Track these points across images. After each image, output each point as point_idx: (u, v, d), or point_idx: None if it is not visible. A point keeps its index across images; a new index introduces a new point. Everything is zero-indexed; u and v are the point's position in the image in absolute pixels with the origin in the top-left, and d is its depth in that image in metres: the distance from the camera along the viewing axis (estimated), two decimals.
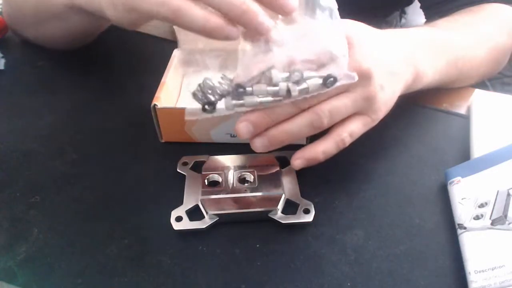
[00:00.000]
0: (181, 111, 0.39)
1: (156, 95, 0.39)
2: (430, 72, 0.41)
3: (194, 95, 0.32)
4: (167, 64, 0.45)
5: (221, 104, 0.32)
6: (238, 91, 0.31)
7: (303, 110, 0.33)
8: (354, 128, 0.35)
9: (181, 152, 0.40)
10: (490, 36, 0.50)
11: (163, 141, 0.42)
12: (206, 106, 0.32)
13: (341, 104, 0.33)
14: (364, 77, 0.33)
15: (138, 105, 0.46)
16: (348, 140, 0.35)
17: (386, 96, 0.36)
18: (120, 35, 0.56)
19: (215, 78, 0.32)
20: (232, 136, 0.41)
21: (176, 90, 0.45)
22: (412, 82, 0.39)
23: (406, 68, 0.38)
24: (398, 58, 0.38)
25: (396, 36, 0.40)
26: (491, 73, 0.54)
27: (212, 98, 0.32)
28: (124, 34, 0.60)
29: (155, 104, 0.38)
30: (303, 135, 0.35)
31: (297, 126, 0.33)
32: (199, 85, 0.32)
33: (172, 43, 0.42)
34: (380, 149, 0.42)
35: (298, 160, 0.35)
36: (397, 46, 0.39)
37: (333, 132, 0.35)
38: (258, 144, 0.33)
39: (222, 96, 0.32)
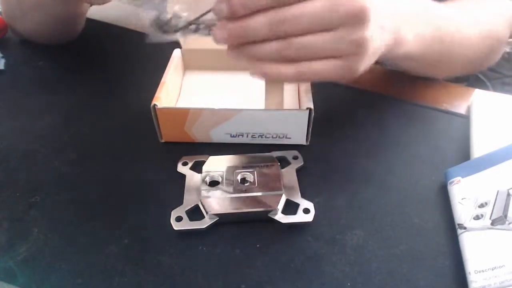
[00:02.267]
0: (181, 111, 0.39)
1: (156, 95, 0.39)
2: (412, 38, 0.38)
3: (151, 26, 0.34)
4: (167, 64, 0.45)
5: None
6: (188, 28, 0.34)
7: (278, 37, 0.31)
8: (321, 68, 0.32)
9: (181, 152, 0.40)
10: (486, 22, 0.48)
11: (163, 141, 0.42)
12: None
13: (317, 41, 0.31)
14: (359, 17, 0.30)
15: (138, 105, 0.46)
16: (308, 77, 0.33)
17: (373, 49, 0.33)
18: (120, 35, 0.56)
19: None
20: (232, 136, 0.41)
21: (176, 90, 0.45)
22: (393, 45, 0.36)
23: (392, 26, 0.35)
24: (387, 13, 0.34)
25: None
26: (482, 60, 0.52)
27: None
28: (124, 34, 0.60)
29: (155, 104, 0.38)
30: (272, 58, 0.32)
31: (266, 50, 0.32)
32: (155, 20, 0.35)
33: (172, 43, 0.42)
34: (380, 149, 0.42)
35: (253, 71, 0.34)
36: (390, 1, 0.36)
37: (298, 63, 0.32)
38: (230, 54, 0.33)
39: (176, 31, 0.35)
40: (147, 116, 0.39)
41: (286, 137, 0.41)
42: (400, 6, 0.37)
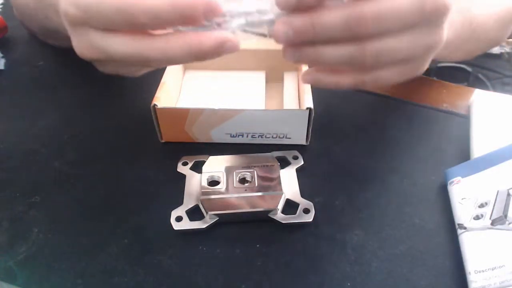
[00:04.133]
0: (181, 111, 0.39)
1: (156, 95, 0.39)
2: (449, 30, 0.36)
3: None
4: None
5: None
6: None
7: (352, 39, 0.27)
8: (388, 76, 0.29)
9: (181, 152, 0.40)
10: (501, 3, 0.48)
11: (163, 141, 0.42)
12: None
13: (395, 47, 0.27)
14: (442, 14, 0.27)
15: (138, 105, 0.46)
16: (371, 85, 0.30)
17: (440, 44, 0.29)
18: None
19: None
20: (232, 136, 0.41)
21: (176, 90, 0.45)
22: None
23: None
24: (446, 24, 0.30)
25: None
26: (497, 41, 0.52)
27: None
28: None
29: (155, 104, 0.38)
30: (338, 65, 0.29)
31: (334, 55, 0.27)
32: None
33: None
34: (380, 149, 0.42)
35: (308, 77, 0.30)
36: None
37: (364, 70, 0.29)
38: (290, 56, 0.28)
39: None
40: (147, 116, 0.39)
41: (286, 137, 0.41)
42: None
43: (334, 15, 0.26)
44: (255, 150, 0.40)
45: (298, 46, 0.28)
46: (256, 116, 0.39)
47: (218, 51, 0.27)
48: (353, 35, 0.26)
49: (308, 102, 0.39)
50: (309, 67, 0.29)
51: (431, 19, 0.27)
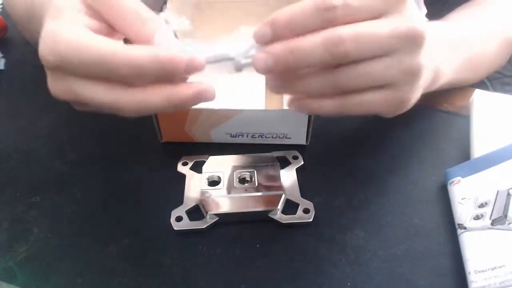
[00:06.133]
0: (181, 111, 0.39)
1: None
2: (448, 71, 0.38)
3: None
4: None
5: None
6: None
7: (330, 63, 0.27)
8: (371, 101, 0.29)
9: (181, 152, 0.40)
10: (501, 30, 0.49)
11: (163, 141, 0.42)
12: None
13: (372, 70, 0.27)
14: (417, 41, 0.27)
15: None
16: (356, 111, 0.29)
17: (423, 80, 0.30)
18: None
19: None
20: (232, 136, 0.41)
21: None
22: (431, 81, 0.34)
23: (430, 64, 0.32)
24: (424, 53, 0.30)
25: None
26: (498, 67, 0.53)
27: None
28: None
29: None
30: (318, 91, 0.29)
31: (314, 82, 0.28)
32: None
33: None
34: (380, 149, 0.42)
35: (292, 104, 0.30)
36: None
37: (345, 95, 0.29)
38: (272, 86, 0.29)
39: None
40: (147, 116, 0.39)
41: (286, 137, 0.41)
42: (436, 35, 0.33)
43: (312, 39, 0.26)
44: (255, 150, 0.40)
45: (279, 76, 0.28)
46: (256, 116, 0.39)
47: (195, 102, 0.27)
48: (331, 58, 0.26)
49: None
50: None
51: (406, 44, 0.27)
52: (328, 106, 0.29)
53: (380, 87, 0.29)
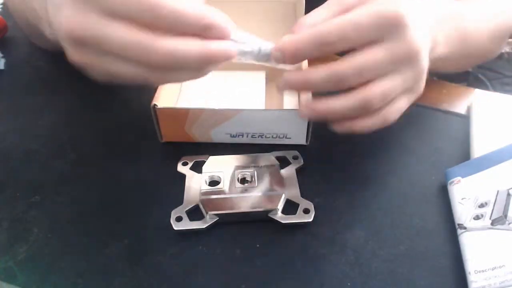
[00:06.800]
0: (181, 111, 0.39)
1: (156, 95, 0.39)
2: (443, 43, 0.39)
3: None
4: None
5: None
6: None
7: (352, 89, 0.32)
8: (402, 105, 0.35)
9: (181, 152, 0.40)
10: (497, 13, 0.49)
11: (163, 141, 0.42)
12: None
13: (392, 85, 0.32)
14: (415, 58, 0.32)
15: (138, 105, 0.46)
16: (394, 118, 0.35)
17: (426, 68, 0.35)
18: None
19: None
20: (232, 136, 0.41)
21: (176, 90, 0.45)
22: (429, 51, 0.36)
23: (430, 34, 0.36)
24: (426, 24, 0.35)
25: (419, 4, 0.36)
26: (492, 53, 0.54)
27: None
28: None
29: (155, 104, 0.38)
30: (349, 116, 0.34)
31: (343, 108, 0.33)
32: None
33: None
34: (380, 149, 0.42)
35: (338, 127, 0.35)
36: (425, 11, 0.36)
37: (380, 110, 0.34)
38: (305, 113, 0.36)
39: None
40: (147, 116, 0.39)
41: (286, 137, 0.41)
42: (432, 9, 0.38)
43: (320, 71, 0.32)
44: (255, 150, 0.40)
45: (311, 106, 0.35)
46: (256, 116, 0.39)
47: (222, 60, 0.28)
48: (339, 86, 0.32)
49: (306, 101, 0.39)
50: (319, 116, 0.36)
51: (407, 63, 0.32)
52: (371, 123, 0.35)
53: (401, 93, 0.34)
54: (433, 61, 0.38)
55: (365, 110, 0.33)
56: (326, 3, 0.34)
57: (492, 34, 0.49)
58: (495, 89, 0.68)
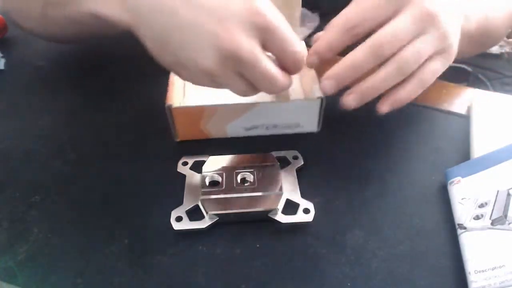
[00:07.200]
0: (197, 109, 0.40)
1: (169, 94, 0.40)
2: (471, 19, 0.42)
3: None
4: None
5: None
6: None
7: (385, 60, 0.34)
8: (435, 67, 0.36)
9: (181, 152, 0.40)
10: (506, 2, 0.53)
11: (178, 140, 0.42)
12: None
13: (419, 48, 0.34)
14: (431, 19, 0.34)
15: (138, 105, 0.46)
16: (430, 80, 0.36)
17: (453, 29, 0.37)
18: (119, 36, 0.56)
19: None
20: (247, 129, 0.42)
21: (181, 89, 0.45)
22: (464, 23, 0.40)
23: (459, 9, 0.39)
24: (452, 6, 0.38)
25: None
26: (502, 38, 0.60)
27: None
28: (122, 35, 0.60)
29: (170, 104, 0.38)
30: (390, 85, 0.36)
31: (384, 78, 0.35)
32: None
33: None
34: (380, 149, 0.42)
35: (384, 105, 0.37)
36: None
37: (415, 73, 0.35)
38: (351, 102, 0.36)
39: None
40: (147, 115, 0.40)
41: (299, 126, 0.42)
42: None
43: (361, 49, 0.34)
44: (255, 149, 0.40)
45: (352, 90, 0.36)
46: (271, 108, 0.40)
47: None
48: (381, 57, 0.34)
49: (318, 90, 0.40)
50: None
51: (426, 26, 0.34)
52: (411, 88, 0.36)
53: (432, 55, 0.36)
54: (464, 36, 0.41)
55: (402, 73, 0.35)
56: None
57: (504, 23, 0.52)
58: (495, 89, 0.68)
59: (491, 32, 0.51)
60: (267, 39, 0.32)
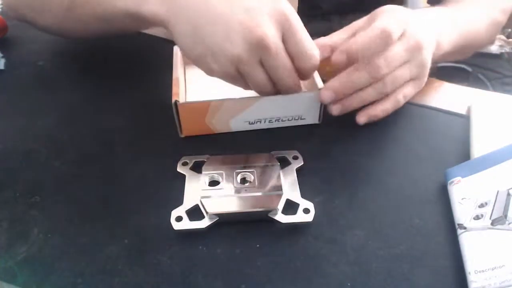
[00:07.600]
0: (202, 104, 0.40)
1: (174, 91, 0.40)
2: (446, 42, 0.47)
3: None
4: (163, 63, 0.45)
5: None
6: None
7: (374, 80, 0.40)
8: (408, 92, 0.43)
9: (181, 152, 0.40)
10: (488, 13, 0.56)
11: (183, 135, 0.42)
12: None
13: (402, 74, 0.41)
14: (419, 49, 0.41)
15: (137, 104, 0.46)
16: (402, 102, 0.43)
17: (429, 62, 0.43)
18: (119, 35, 0.56)
19: None
20: (251, 123, 0.42)
21: (183, 85, 0.45)
22: (435, 51, 0.45)
23: (434, 38, 0.44)
24: (430, 30, 0.44)
25: (424, 14, 0.47)
26: (485, 45, 0.65)
27: None
28: (122, 34, 0.60)
29: (176, 100, 0.39)
30: (370, 100, 0.41)
31: (369, 94, 0.40)
32: None
33: (171, 43, 0.42)
34: (380, 149, 0.42)
35: (363, 117, 0.42)
36: (427, 21, 0.45)
37: (392, 95, 0.42)
38: (335, 111, 0.41)
39: None
40: (147, 115, 0.39)
41: (301, 118, 0.43)
42: (432, 21, 0.46)
43: (361, 74, 0.39)
44: (255, 149, 0.40)
45: (339, 101, 0.41)
46: (274, 101, 0.40)
47: None
48: (373, 78, 0.40)
49: (320, 83, 0.41)
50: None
51: (415, 54, 0.41)
52: (387, 106, 0.42)
53: (408, 82, 0.43)
54: (440, 57, 0.48)
55: (382, 93, 0.41)
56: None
57: (487, 29, 0.56)
58: (495, 89, 0.68)
59: (473, 43, 0.55)
60: (288, 37, 0.35)
